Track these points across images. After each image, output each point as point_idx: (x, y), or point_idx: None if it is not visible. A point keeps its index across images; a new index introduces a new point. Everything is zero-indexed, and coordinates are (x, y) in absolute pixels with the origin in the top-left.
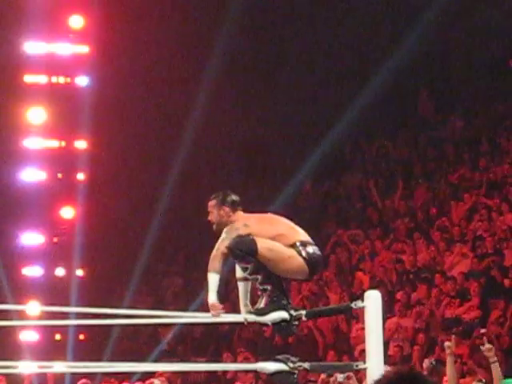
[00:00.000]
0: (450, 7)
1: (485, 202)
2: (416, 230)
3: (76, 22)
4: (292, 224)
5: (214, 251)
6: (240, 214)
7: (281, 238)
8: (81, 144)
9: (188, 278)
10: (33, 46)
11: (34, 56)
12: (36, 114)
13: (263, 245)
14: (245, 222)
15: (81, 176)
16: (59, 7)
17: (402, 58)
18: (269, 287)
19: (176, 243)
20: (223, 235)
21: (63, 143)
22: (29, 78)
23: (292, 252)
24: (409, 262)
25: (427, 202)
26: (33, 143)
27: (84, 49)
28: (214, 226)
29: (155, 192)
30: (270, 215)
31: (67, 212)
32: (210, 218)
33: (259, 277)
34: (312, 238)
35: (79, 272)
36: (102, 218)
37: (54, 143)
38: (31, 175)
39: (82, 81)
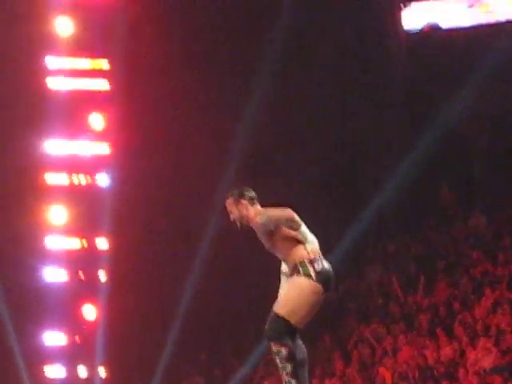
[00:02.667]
0: (466, 102)
1: (507, 297)
2: (439, 324)
3: (96, 120)
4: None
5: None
6: (258, 207)
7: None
8: (102, 242)
9: (209, 377)
10: (53, 145)
11: (54, 155)
12: (57, 213)
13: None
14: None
15: (102, 275)
16: (79, 106)
17: (421, 154)
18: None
19: (198, 342)
20: (260, 221)
21: (84, 242)
22: (50, 178)
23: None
24: (432, 357)
25: (449, 296)
26: (54, 242)
27: (104, 148)
28: (238, 224)
29: (176, 290)
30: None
31: (89, 311)
32: (231, 218)
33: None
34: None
35: (101, 371)
36: (124, 316)
37: (76, 242)
38: (53, 274)
39: (103, 180)
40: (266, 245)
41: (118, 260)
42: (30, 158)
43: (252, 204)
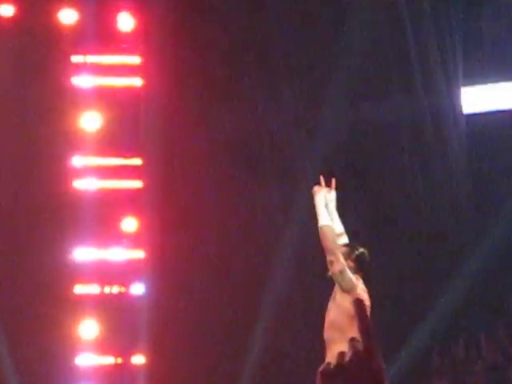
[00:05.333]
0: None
1: None
2: None
3: (129, 224)
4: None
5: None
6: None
7: None
8: (139, 360)
9: None
10: (83, 253)
11: (84, 263)
12: (87, 329)
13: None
14: None
15: None
16: (110, 208)
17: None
18: None
19: None
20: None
21: (119, 360)
22: (79, 289)
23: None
24: None
25: None
26: (86, 360)
27: (139, 254)
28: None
29: None
30: None
31: None
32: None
33: None
34: None
35: None
36: None
37: (109, 359)
38: None
39: (138, 289)
40: None
41: (157, 377)
42: (57, 268)
43: (354, 273)
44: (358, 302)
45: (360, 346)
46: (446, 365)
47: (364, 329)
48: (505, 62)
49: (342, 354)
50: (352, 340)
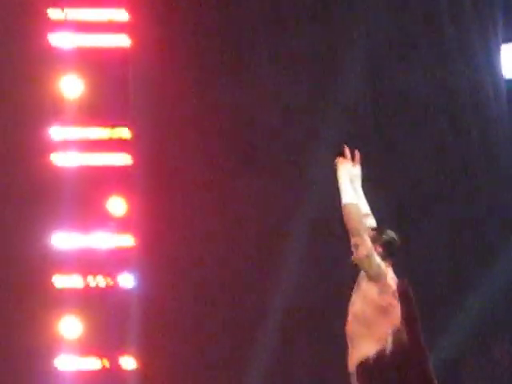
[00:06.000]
0: None
1: None
2: None
3: (116, 206)
4: None
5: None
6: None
7: None
8: (128, 363)
9: None
10: (63, 239)
11: (65, 251)
12: (68, 328)
13: None
14: None
15: None
16: (95, 187)
17: None
18: None
19: None
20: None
21: (106, 363)
22: (59, 282)
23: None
24: None
25: None
26: (67, 364)
27: (128, 240)
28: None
29: None
30: None
31: None
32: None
33: None
34: None
35: None
36: None
37: (95, 363)
38: None
39: (127, 281)
40: None
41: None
42: (34, 257)
43: (383, 259)
44: (404, 290)
45: (404, 337)
46: (483, 367)
47: (409, 317)
48: None
49: (381, 349)
50: (397, 332)
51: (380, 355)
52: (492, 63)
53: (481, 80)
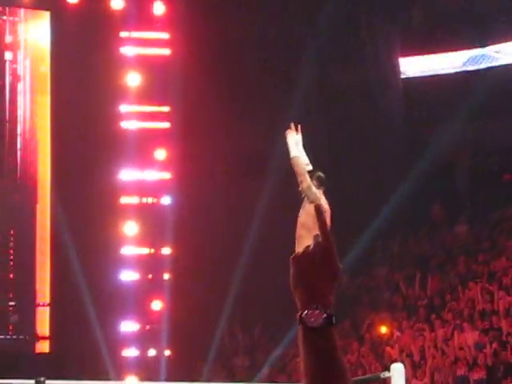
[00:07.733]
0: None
1: (487, 288)
2: (433, 312)
3: (160, 153)
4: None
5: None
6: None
7: None
8: (166, 250)
9: (253, 357)
10: (127, 174)
11: (128, 181)
12: (130, 228)
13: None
14: None
15: (166, 276)
16: (147, 142)
17: (418, 177)
18: None
19: (247, 324)
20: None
21: (152, 250)
22: (124, 199)
23: None
24: (429, 337)
25: (441, 289)
26: (128, 250)
27: (167, 175)
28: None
29: (229, 283)
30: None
31: (156, 305)
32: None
33: None
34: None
35: (167, 352)
36: (185, 309)
37: (145, 250)
38: (128, 276)
39: (166, 200)
40: None
41: (179, 263)
42: (108, 184)
43: (317, 188)
44: (318, 206)
45: (320, 240)
46: (385, 257)
47: (322, 227)
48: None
49: (308, 245)
50: (316, 236)
51: (305, 249)
52: (393, 66)
53: (385, 77)
